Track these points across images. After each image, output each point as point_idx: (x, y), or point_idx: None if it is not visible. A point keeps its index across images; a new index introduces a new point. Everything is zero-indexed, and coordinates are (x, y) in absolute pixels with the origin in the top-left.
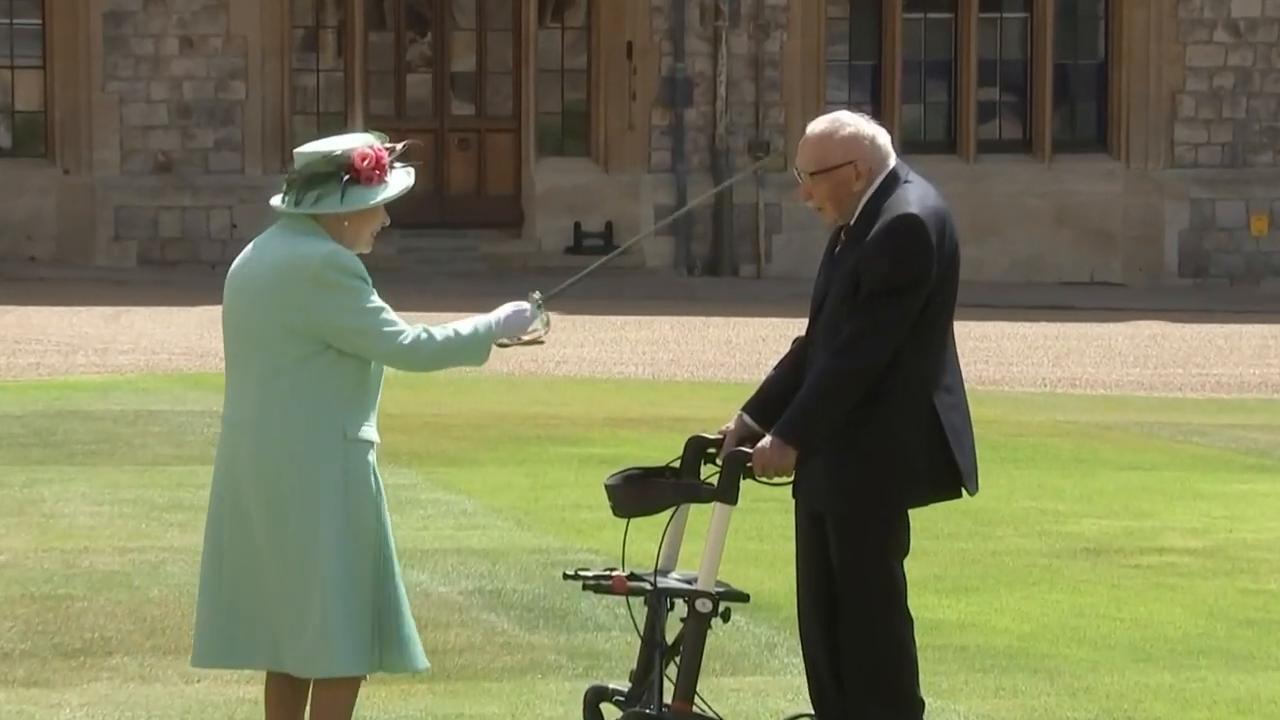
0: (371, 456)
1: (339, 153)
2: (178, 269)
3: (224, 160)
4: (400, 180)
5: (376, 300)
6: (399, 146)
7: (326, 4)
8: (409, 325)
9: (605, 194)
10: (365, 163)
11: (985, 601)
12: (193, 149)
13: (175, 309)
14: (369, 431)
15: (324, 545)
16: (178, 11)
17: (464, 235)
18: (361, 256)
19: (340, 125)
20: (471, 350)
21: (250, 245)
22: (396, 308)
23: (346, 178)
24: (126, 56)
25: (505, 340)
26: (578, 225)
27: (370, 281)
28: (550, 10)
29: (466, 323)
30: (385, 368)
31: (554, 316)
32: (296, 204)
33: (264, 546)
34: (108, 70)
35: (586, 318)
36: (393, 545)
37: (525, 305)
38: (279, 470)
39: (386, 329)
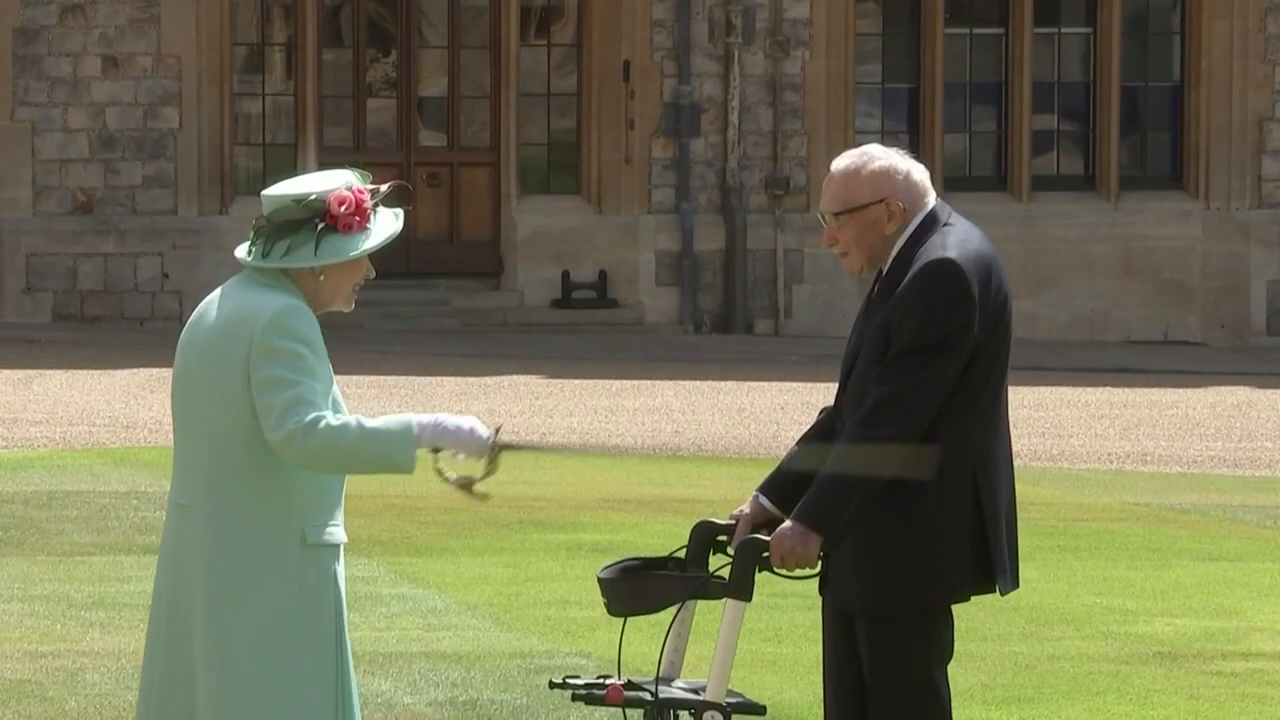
0: (337, 564)
1: (313, 197)
2: (99, 326)
3: (154, 199)
4: (386, 225)
5: (307, 375)
6: (383, 188)
7: (273, 18)
8: (327, 411)
9: (598, 238)
10: (343, 207)
11: (1042, 714)
12: (118, 186)
13: (96, 372)
14: (334, 533)
15: (270, 659)
16: (100, 26)
17: (433, 286)
18: (342, 314)
19: (289, 157)
20: (381, 450)
21: (206, 299)
22: (353, 372)
23: (321, 225)
24: (40, 79)
25: (442, 466)
26: (566, 275)
27: (319, 349)
28: (534, 25)
29: (388, 417)
30: None
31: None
32: (265, 256)
33: (200, 649)
34: (18, 95)
35: (576, 382)
36: (350, 660)
37: (481, 428)
38: (228, 567)
39: (285, 408)
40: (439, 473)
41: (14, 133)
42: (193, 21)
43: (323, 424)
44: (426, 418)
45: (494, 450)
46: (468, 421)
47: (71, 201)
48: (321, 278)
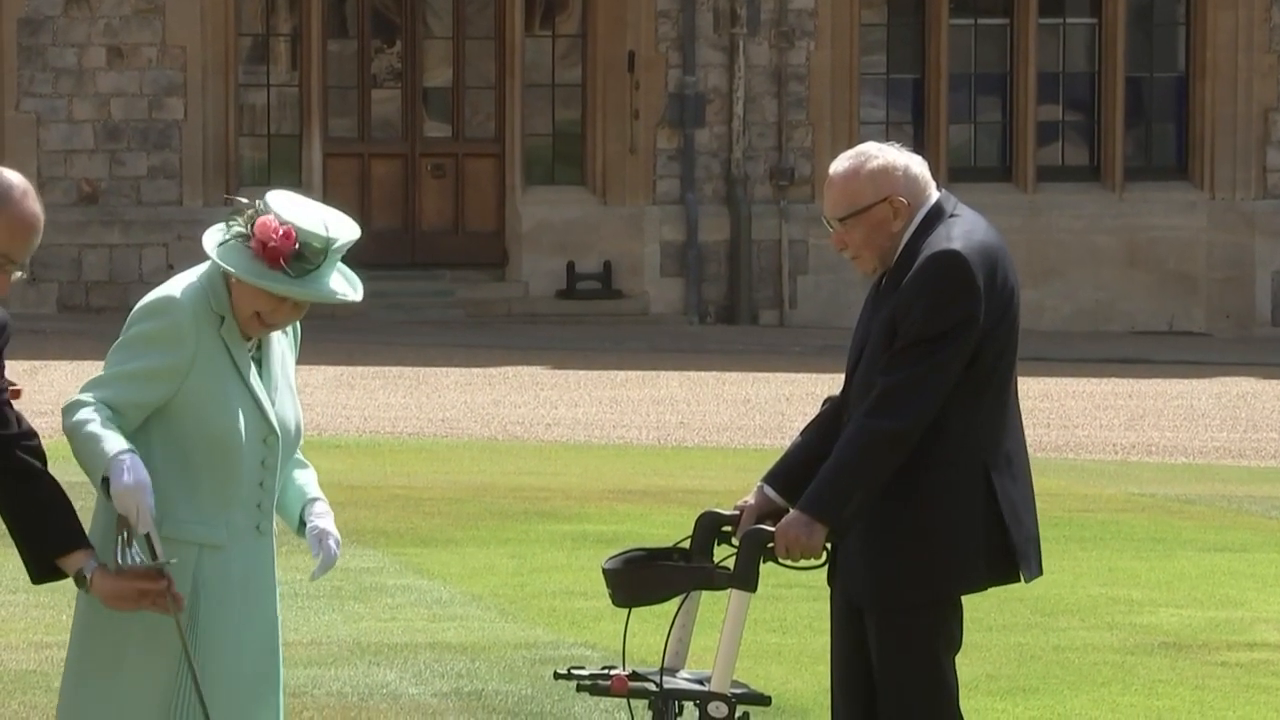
0: (200, 560)
1: (259, 206)
2: (104, 316)
3: (159, 190)
4: (311, 286)
5: (124, 362)
6: (298, 251)
7: (278, 9)
8: (102, 402)
9: (603, 229)
10: (262, 232)
11: (1047, 705)
12: (122, 177)
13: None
14: (198, 530)
15: (100, 648)
16: (105, 17)
17: (438, 277)
18: (347, 304)
19: (294, 148)
20: (90, 462)
21: None
22: (358, 363)
23: (239, 230)
24: (45, 69)
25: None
26: (571, 266)
27: (174, 341)
28: (539, 16)
29: (111, 434)
30: (297, 446)
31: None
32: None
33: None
34: (23, 85)
35: (581, 373)
36: (230, 663)
37: (147, 494)
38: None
39: (85, 388)
40: (120, 549)
41: (19, 124)
42: (197, 12)
43: (78, 411)
44: (129, 465)
45: (140, 552)
46: (144, 498)
47: (76, 192)
48: (234, 281)
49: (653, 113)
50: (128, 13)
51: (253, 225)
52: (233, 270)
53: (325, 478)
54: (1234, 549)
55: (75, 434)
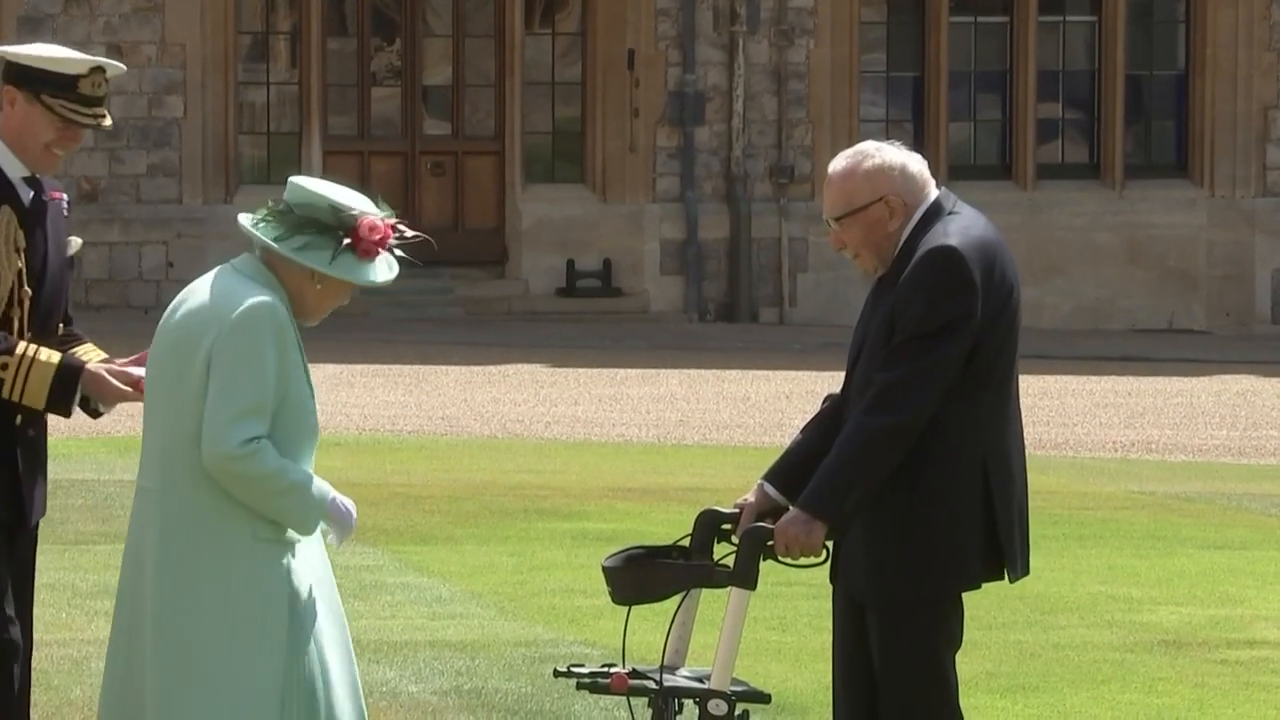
0: (290, 558)
1: (347, 212)
2: (104, 315)
3: (158, 188)
4: (387, 269)
5: (259, 385)
6: (409, 233)
7: (278, 7)
8: (267, 440)
9: (603, 227)
10: (372, 234)
11: (1047, 703)
12: (122, 175)
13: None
14: (290, 531)
15: (210, 653)
16: (104, 15)
17: (438, 275)
18: (346, 303)
19: (294, 146)
20: (296, 508)
21: (191, 286)
22: (358, 361)
23: (346, 241)
24: None
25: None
26: (571, 264)
27: (284, 348)
28: (539, 14)
29: (309, 479)
30: (317, 438)
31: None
32: (278, 240)
33: (149, 640)
34: None
35: (581, 371)
36: (317, 652)
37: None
38: (176, 559)
39: (230, 421)
40: None
41: None
42: (197, 10)
43: (264, 458)
44: (337, 497)
45: None
46: (352, 508)
47: (76, 190)
48: (319, 286)
49: (653, 111)
50: (127, 11)
51: (349, 229)
52: (349, 278)
53: (325, 475)
54: (1233, 547)
55: (270, 484)
